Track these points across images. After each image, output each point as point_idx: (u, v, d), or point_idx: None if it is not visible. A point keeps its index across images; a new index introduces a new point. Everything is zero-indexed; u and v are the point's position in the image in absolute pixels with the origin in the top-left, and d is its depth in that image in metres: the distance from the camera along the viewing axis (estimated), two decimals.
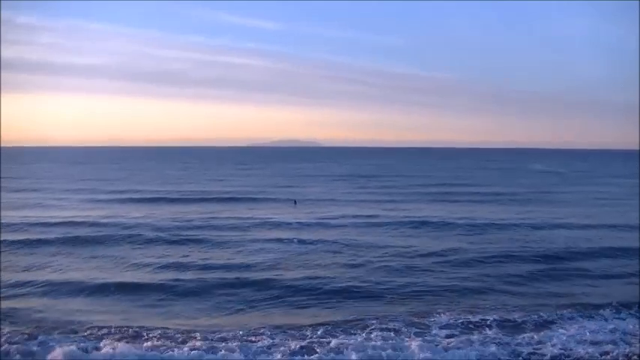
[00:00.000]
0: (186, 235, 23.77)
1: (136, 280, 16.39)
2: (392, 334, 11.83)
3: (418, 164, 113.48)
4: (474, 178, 67.30)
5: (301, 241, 22.50)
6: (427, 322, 12.70)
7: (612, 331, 12.11)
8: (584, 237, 24.23)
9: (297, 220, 28.13)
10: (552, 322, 12.82)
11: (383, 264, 18.68)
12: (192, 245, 21.94)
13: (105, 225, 26.38)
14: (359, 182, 57.71)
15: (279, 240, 22.83)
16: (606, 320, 12.91)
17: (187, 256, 20.01)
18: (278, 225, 27.16)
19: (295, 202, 36.78)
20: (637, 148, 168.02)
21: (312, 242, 22.39)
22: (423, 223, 27.47)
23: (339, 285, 15.95)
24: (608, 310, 13.64)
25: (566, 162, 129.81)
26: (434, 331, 12.09)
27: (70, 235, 23.06)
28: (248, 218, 29.33)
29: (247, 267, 18.32)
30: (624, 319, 13.01)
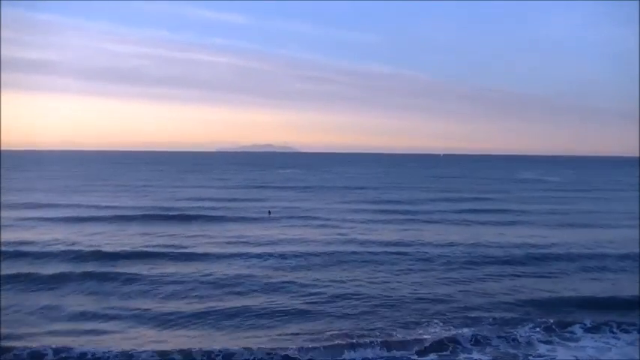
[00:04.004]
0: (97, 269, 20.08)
1: None
2: None
3: (402, 173, 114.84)
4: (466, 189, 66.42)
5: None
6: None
7: None
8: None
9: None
10: None
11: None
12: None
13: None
14: (353, 196, 55.30)
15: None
16: None
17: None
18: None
19: (269, 212, 36.78)
20: (637, 155, 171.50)
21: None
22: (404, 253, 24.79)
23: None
24: None
25: (558, 170, 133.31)
26: None
27: None
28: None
29: None
30: None
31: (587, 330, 14.36)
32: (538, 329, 14.24)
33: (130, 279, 18.81)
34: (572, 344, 13.59)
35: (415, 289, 17.96)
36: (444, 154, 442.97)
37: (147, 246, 24.80)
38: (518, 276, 20.18)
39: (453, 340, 13.39)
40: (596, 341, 13.78)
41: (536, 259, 22.83)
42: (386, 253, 23.75)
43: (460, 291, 17.92)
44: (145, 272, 19.74)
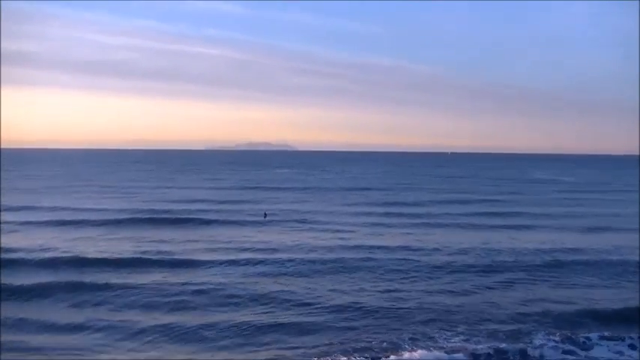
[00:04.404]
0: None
1: None
2: None
3: (407, 172, 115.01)
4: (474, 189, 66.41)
5: None
6: None
7: None
8: None
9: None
10: None
11: None
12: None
13: None
14: (355, 197, 55.44)
15: None
16: None
17: None
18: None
19: (265, 214, 37.11)
20: None
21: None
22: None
23: None
24: None
25: (573, 169, 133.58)
26: None
27: None
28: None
29: None
30: None
31: (604, 342, 14.31)
32: (553, 342, 14.09)
33: (113, 288, 18.51)
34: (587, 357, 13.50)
35: (423, 299, 17.76)
36: (451, 153, 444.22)
37: (133, 252, 24.53)
38: (533, 284, 20.01)
39: (468, 354, 13.20)
40: (614, 353, 13.74)
41: (551, 266, 22.67)
42: (391, 259, 23.56)
43: (471, 301, 17.74)
44: (130, 281, 19.46)
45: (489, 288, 19.47)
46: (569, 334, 14.62)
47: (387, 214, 39.56)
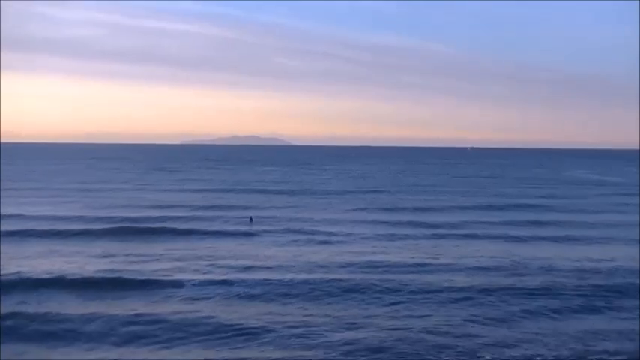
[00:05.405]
0: None
1: None
2: None
3: (421, 172, 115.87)
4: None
5: None
6: None
7: None
8: None
9: None
10: None
11: None
12: None
13: None
14: (360, 202, 55.42)
15: None
16: None
17: None
18: None
19: (251, 219, 39.00)
20: None
21: None
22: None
23: None
24: None
25: (618, 167, 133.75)
26: None
27: None
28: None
29: None
30: None
31: None
32: None
33: (55, 317, 17.82)
34: None
35: (460, 330, 17.05)
36: (471, 148, 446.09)
37: (86, 271, 23.94)
38: (575, 312, 19.36)
39: None
40: None
41: (598, 288, 21.98)
42: (411, 280, 22.84)
43: (519, 332, 17.13)
44: (80, 309, 18.68)
45: (537, 314, 18.81)
46: None
47: (401, 224, 39.14)
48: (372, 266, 25.52)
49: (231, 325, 17.37)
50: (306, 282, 22.38)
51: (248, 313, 18.57)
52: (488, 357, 15.16)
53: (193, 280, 22.58)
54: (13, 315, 17.95)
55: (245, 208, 46.74)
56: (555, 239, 33.49)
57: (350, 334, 16.65)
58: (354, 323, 17.72)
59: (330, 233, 34.36)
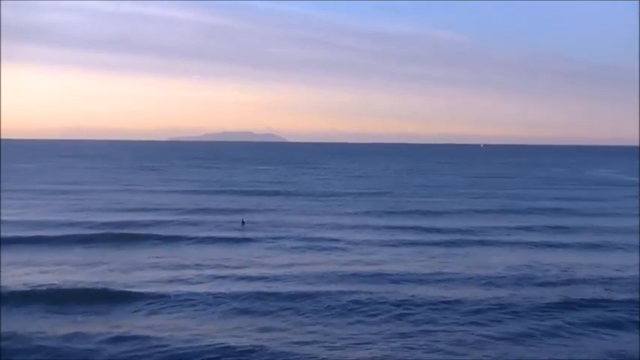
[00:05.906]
0: None
1: None
2: None
3: (430, 171, 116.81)
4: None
5: None
6: None
7: None
8: None
9: None
10: None
11: None
12: None
13: None
14: (363, 204, 55.70)
15: None
16: None
17: None
18: None
19: (243, 222, 40.00)
20: None
21: None
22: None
23: None
24: None
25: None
26: None
27: None
28: None
29: None
30: None
31: None
32: None
33: (28, 336, 17.55)
34: None
35: (455, 352, 16.84)
36: (484, 145, 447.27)
37: (64, 282, 23.86)
38: (597, 327, 19.19)
39: None
40: None
41: (625, 302, 21.77)
42: (411, 294, 22.68)
43: (516, 350, 17.04)
44: (55, 327, 18.48)
45: (556, 331, 18.69)
46: None
47: (406, 229, 39.20)
48: (377, 275, 25.52)
49: (222, 343, 17.19)
50: (303, 294, 22.26)
51: (240, 330, 18.45)
52: None
53: (180, 292, 22.45)
54: None
55: (237, 211, 46.70)
56: (578, 246, 33.40)
57: (352, 354, 16.52)
58: (357, 342, 17.54)
59: (330, 240, 34.39)
